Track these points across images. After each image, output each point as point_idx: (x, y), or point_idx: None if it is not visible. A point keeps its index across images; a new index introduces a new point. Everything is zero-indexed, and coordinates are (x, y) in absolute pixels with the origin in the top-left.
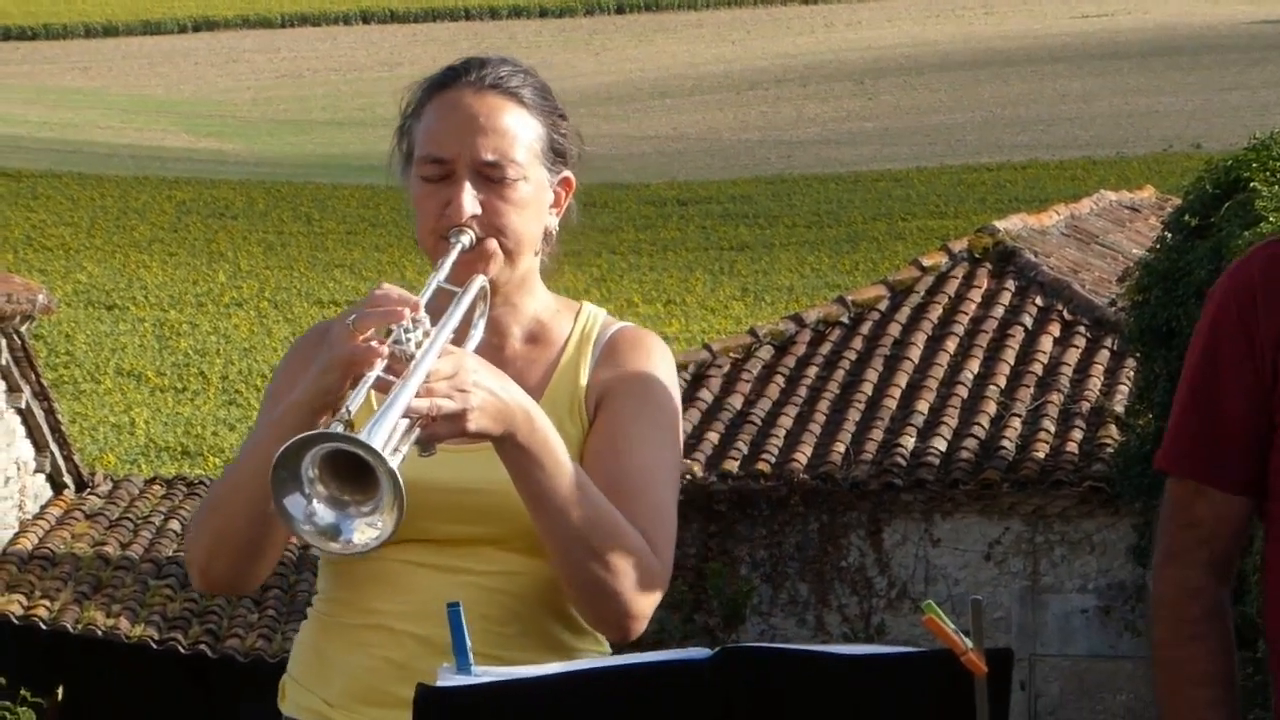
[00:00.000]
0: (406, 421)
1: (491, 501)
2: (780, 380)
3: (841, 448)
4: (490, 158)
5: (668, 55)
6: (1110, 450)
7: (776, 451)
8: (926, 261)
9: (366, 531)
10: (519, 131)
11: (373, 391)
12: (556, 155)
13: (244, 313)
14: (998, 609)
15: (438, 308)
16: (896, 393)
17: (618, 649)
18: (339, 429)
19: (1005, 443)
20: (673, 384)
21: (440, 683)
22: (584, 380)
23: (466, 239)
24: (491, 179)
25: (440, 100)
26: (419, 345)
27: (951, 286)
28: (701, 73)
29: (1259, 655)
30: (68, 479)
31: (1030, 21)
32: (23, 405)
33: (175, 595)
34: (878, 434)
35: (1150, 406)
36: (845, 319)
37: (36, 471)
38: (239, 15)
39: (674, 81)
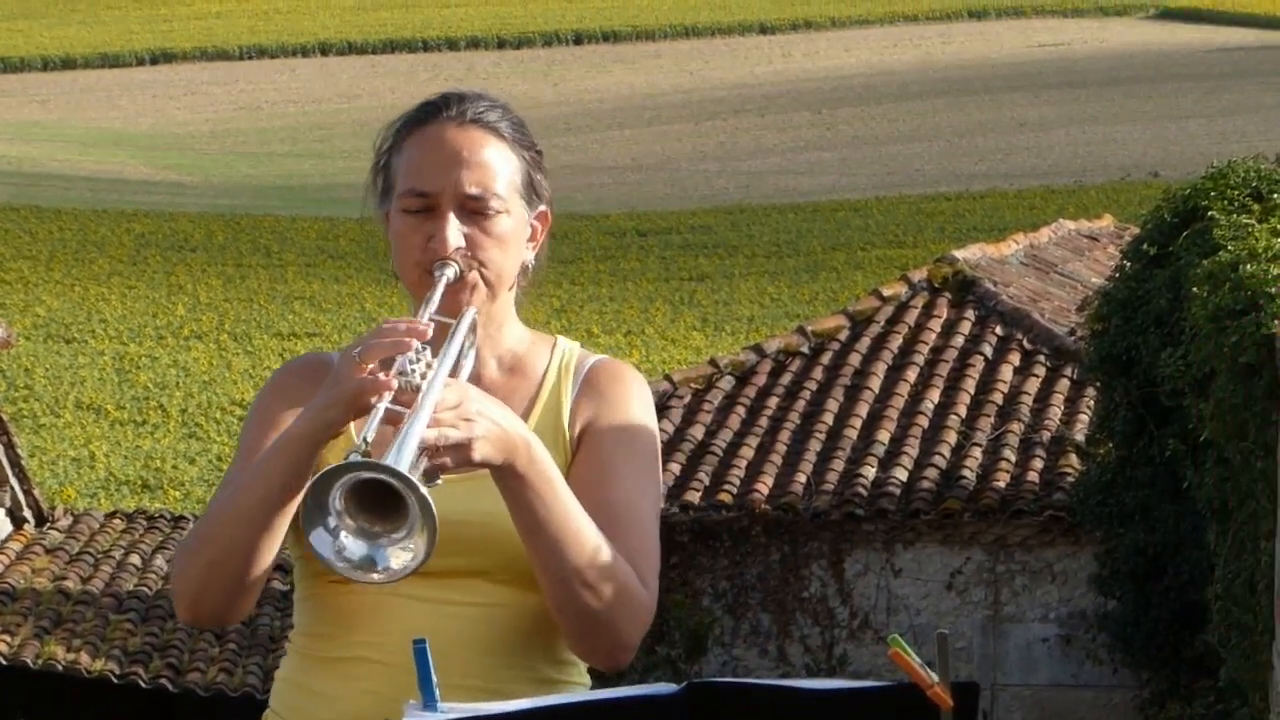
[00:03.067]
0: (417, 452)
1: (477, 533)
2: (741, 411)
3: (803, 478)
4: (474, 191)
5: (625, 86)
6: (1071, 479)
7: (738, 482)
8: (886, 291)
9: (401, 556)
10: (500, 166)
11: (379, 429)
12: (534, 190)
13: (204, 345)
14: (959, 639)
15: (431, 342)
16: (857, 423)
17: (598, 680)
18: (357, 459)
19: (966, 472)
20: (652, 417)
21: (407, 719)
22: (567, 412)
23: (451, 271)
24: (474, 212)
25: (421, 135)
26: (424, 376)
27: (911, 316)
28: (660, 103)
29: (1220, 684)
30: (27, 513)
31: (987, 50)
32: None
33: (136, 629)
34: (839, 464)
35: (1110, 435)
36: (805, 349)
37: None
38: (197, 47)
39: (632, 112)
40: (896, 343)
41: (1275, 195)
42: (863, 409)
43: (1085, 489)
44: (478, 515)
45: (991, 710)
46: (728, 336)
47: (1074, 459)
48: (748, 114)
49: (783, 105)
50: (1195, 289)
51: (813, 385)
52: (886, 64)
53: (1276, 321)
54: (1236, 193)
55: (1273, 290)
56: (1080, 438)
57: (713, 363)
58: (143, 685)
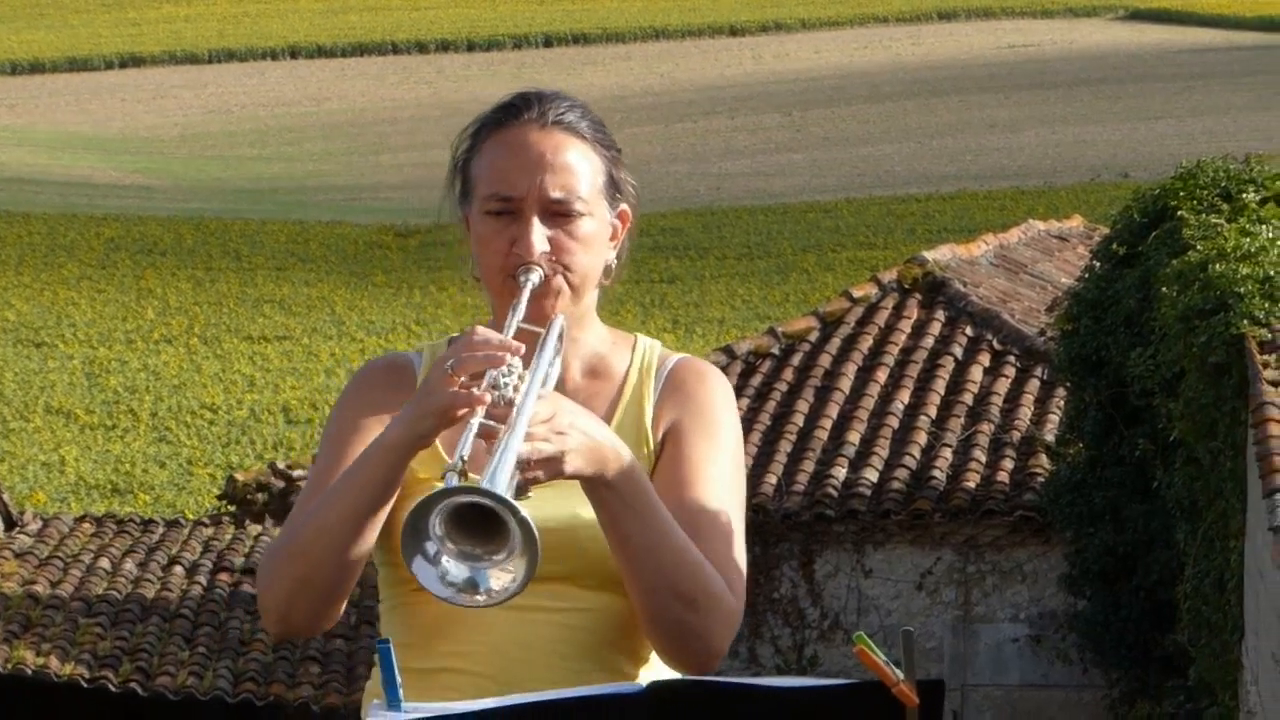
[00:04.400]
0: (513, 471)
1: (563, 538)
2: None
3: (773, 479)
4: (558, 195)
5: (595, 88)
6: (1041, 479)
7: None
8: (856, 292)
9: (501, 578)
10: (583, 168)
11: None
12: (616, 189)
13: (173, 349)
14: (930, 639)
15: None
16: (828, 424)
17: None
18: (455, 480)
19: (936, 473)
20: (735, 417)
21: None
22: (649, 414)
23: (536, 276)
24: (558, 216)
25: (502, 138)
26: (516, 389)
27: (881, 317)
28: (630, 105)
29: (1189, 683)
30: None
31: (957, 51)
32: None
33: (105, 633)
34: (809, 465)
35: (1080, 435)
36: (776, 350)
37: None
38: (166, 51)
39: (602, 114)
40: (867, 344)
41: (1244, 195)
42: (833, 410)
43: (1055, 489)
44: (563, 520)
45: (962, 710)
46: (698, 338)
47: (1044, 459)
48: (718, 116)
49: (753, 107)
50: (1165, 289)
51: (783, 386)
52: (856, 65)
53: (1245, 321)
54: (1206, 193)
55: (1241, 290)
56: (1050, 438)
57: None
58: (112, 689)
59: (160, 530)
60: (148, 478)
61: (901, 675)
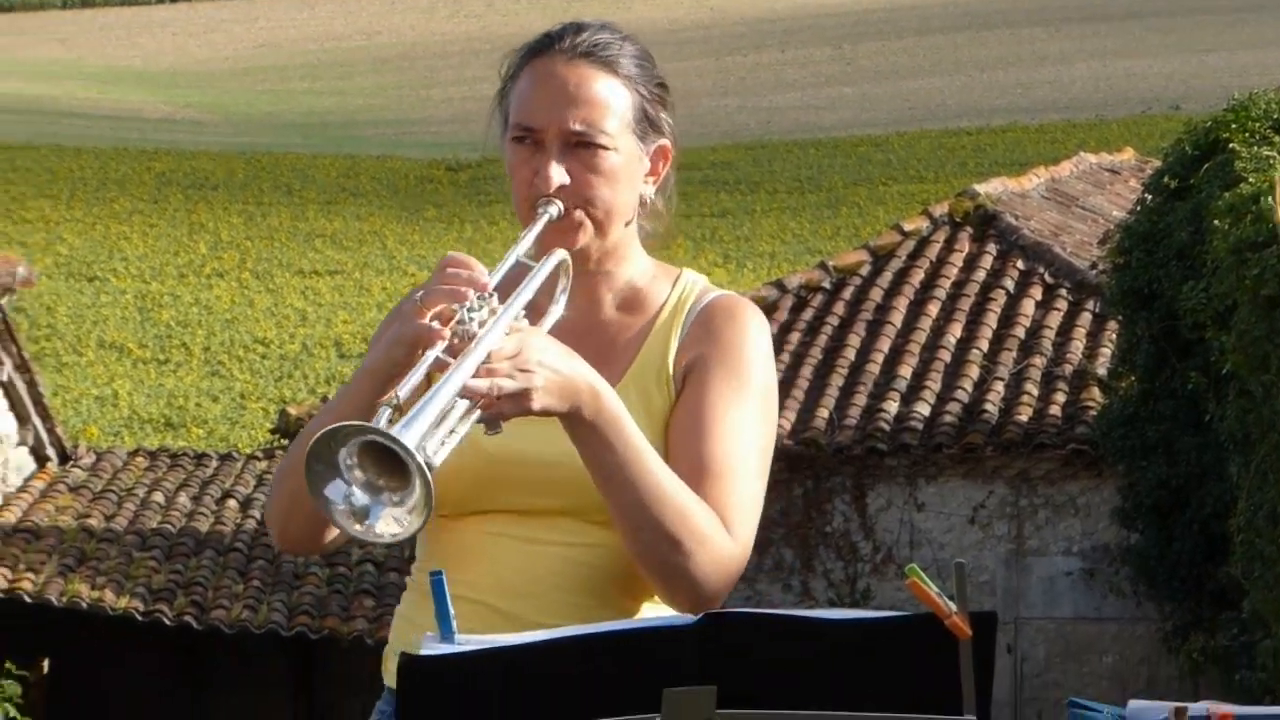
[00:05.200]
0: (466, 403)
1: (570, 474)
2: None
3: (825, 413)
4: (578, 128)
5: (646, 21)
6: (1093, 413)
7: None
8: (908, 226)
9: (390, 525)
10: (610, 101)
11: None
12: (650, 124)
13: (225, 283)
14: (982, 572)
15: (519, 278)
16: (879, 358)
17: None
18: (386, 414)
19: (988, 406)
20: (767, 356)
21: (423, 651)
22: (674, 349)
23: (554, 210)
24: (580, 148)
25: (534, 67)
26: (482, 325)
27: (933, 251)
28: (680, 39)
29: (1243, 615)
30: (50, 452)
31: None
32: (4, 378)
33: (160, 567)
34: (861, 399)
35: (1133, 369)
36: (827, 284)
37: (19, 445)
38: None
39: (652, 48)
40: (918, 277)
41: None
42: (884, 344)
43: (1107, 422)
44: (573, 457)
45: (1015, 643)
46: (749, 273)
47: (1096, 393)
48: (768, 49)
49: (803, 40)
50: (1216, 222)
51: (834, 321)
52: None
53: None
54: (1258, 125)
55: None
56: (1102, 371)
57: None
58: (167, 622)
59: (214, 464)
60: (201, 412)
61: (954, 608)
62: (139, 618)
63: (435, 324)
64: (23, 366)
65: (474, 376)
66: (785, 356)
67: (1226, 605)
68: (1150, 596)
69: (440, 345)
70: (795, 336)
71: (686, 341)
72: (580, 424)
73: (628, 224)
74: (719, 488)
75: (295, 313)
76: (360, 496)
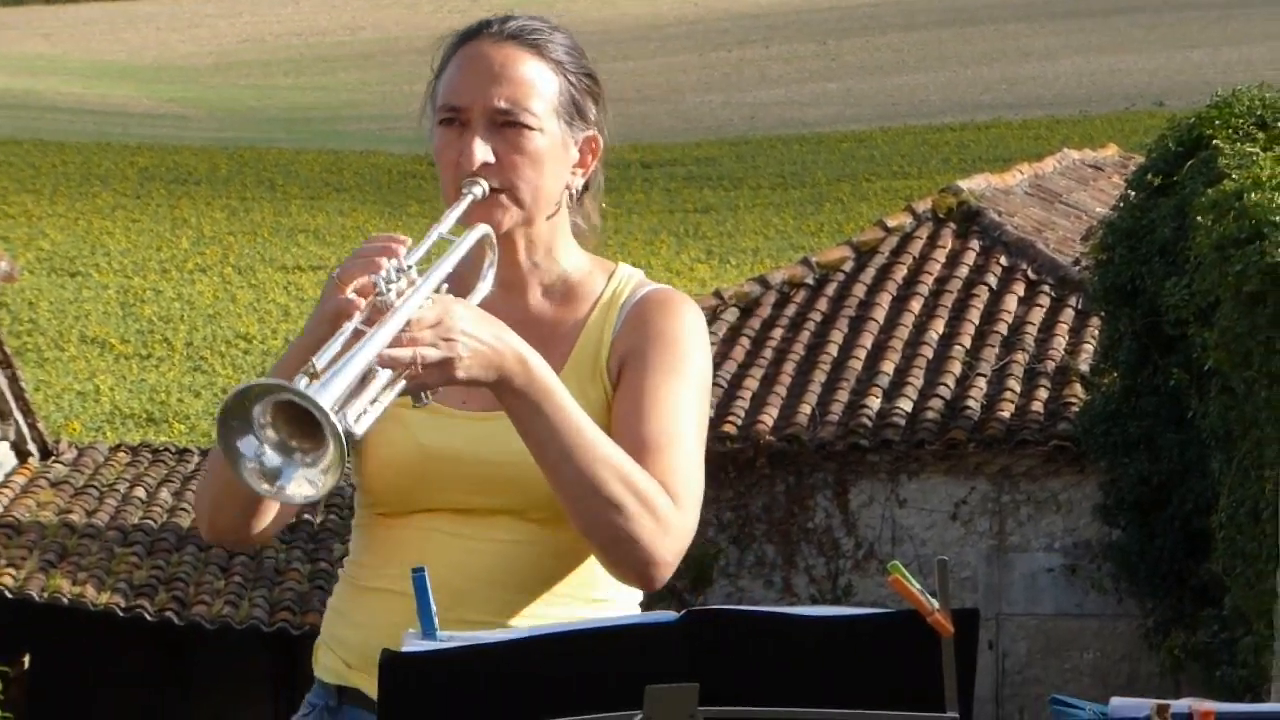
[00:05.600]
0: (389, 373)
1: (511, 473)
2: (745, 342)
3: (807, 409)
4: (503, 105)
5: (630, 17)
6: (1075, 409)
7: (742, 414)
8: (891, 222)
9: (303, 486)
10: (536, 83)
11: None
12: (578, 112)
13: (208, 279)
14: (964, 568)
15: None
16: (862, 353)
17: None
18: (304, 381)
19: (970, 402)
20: (701, 347)
21: (405, 648)
22: (608, 342)
23: (479, 189)
24: (505, 127)
25: (462, 51)
26: (400, 295)
27: (916, 247)
28: (665, 34)
29: (1224, 612)
30: (32, 447)
31: None
32: None
33: (141, 562)
34: (843, 395)
35: (1115, 365)
36: (810, 280)
37: (0, 440)
38: None
39: (636, 44)
40: (901, 273)
41: (1279, 124)
42: (867, 340)
43: (1090, 418)
44: (511, 455)
45: (996, 639)
46: (732, 268)
47: (1078, 389)
48: (752, 45)
49: (788, 36)
50: (1200, 218)
51: (817, 316)
52: None
53: None
54: (1241, 121)
55: (1277, 219)
56: (1085, 367)
57: (717, 294)
58: (148, 618)
59: (195, 459)
60: (183, 407)
61: (936, 604)
62: (120, 613)
63: (352, 295)
64: (4, 361)
65: (396, 346)
66: (768, 352)
67: (1208, 602)
68: (1132, 593)
69: (358, 316)
70: (778, 332)
71: (621, 334)
72: (510, 393)
73: (554, 215)
74: (661, 461)
75: (278, 308)
76: (272, 457)
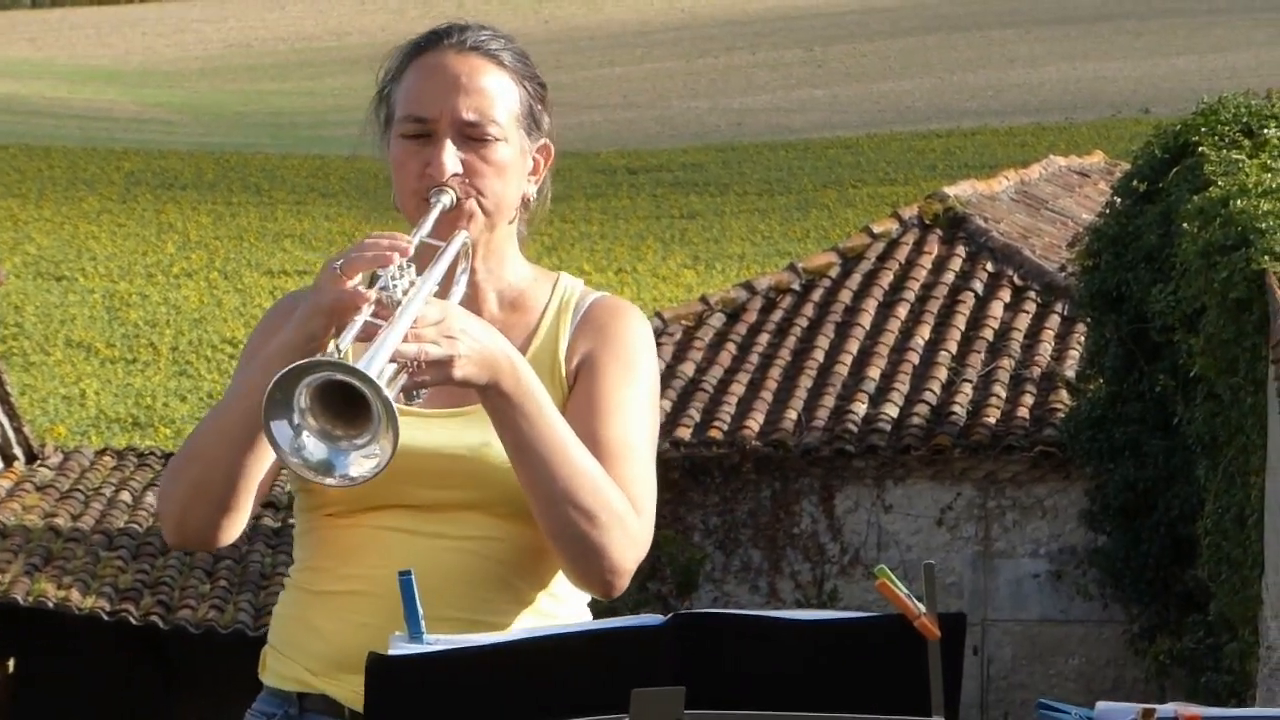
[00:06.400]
0: (394, 366)
1: (471, 466)
2: (732, 348)
3: (793, 414)
4: (471, 117)
5: (617, 23)
6: (1061, 415)
7: (729, 419)
8: (877, 228)
9: (363, 464)
10: (499, 94)
11: (355, 343)
12: (534, 122)
13: (194, 283)
14: (950, 574)
15: (420, 265)
16: (848, 359)
17: (596, 615)
18: (328, 359)
19: (956, 408)
20: (650, 353)
21: (392, 651)
22: (564, 347)
23: (447, 199)
24: (472, 139)
25: (421, 62)
26: (406, 292)
27: (902, 253)
28: (651, 40)
29: (1209, 618)
30: (17, 451)
31: None
32: None
33: (127, 566)
34: (829, 400)
35: (1100, 371)
36: (797, 286)
37: None
38: None
39: (623, 49)
40: (887, 279)
41: (1265, 131)
42: (853, 345)
43: (1075, 424)
44: (470, 448)
45: (982, 645)
46: (719, 274)
47: (1064, 395)
48: (739, 51)
49: (774, 42)
50: (1186, 225)
51: (803, 322)
52: (878, 1)
53: (1266, 257)
54: (1227, 128)
55: (1263, 226)
56: (1070, 373)
57: (704, 300)
58: (133, 622)
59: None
60: (168, 411)
61: (923, 608)
62: (105, 617)
63: (361, 288)
64: None
65: (403, 341)
66: (754, 358)
67: (1193, 608)
68: (1117, 599)
69: (367, 309)
70: (764, 338)
71: (576, 338)
72: (499, 397)
73: (511, 222)
74: (619, 467)
75: (263, 313)
76: (317, 449)
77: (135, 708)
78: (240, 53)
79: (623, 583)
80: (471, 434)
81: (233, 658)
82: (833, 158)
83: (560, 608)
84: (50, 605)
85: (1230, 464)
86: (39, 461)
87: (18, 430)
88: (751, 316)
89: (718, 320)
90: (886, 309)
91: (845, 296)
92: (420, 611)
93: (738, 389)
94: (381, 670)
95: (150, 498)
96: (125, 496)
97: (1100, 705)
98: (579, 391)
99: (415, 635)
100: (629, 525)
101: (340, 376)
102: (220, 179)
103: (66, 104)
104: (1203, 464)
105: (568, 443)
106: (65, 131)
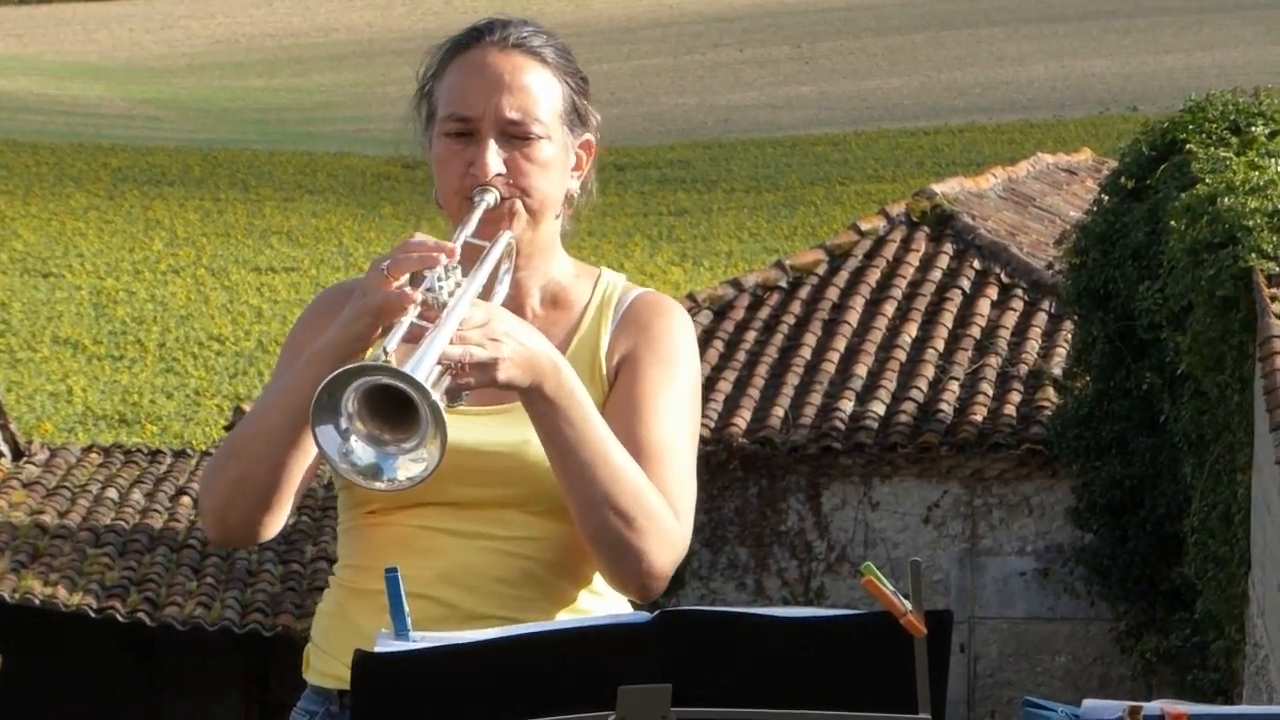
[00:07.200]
0: (439, 369)
1: (510, 464)
2: (719, 345)
3: (780, 412)
4: (515, 116)
5: (604, 19)
6: (1048, 413)
7: (716, 416)
8: (864, 225)
9: (411, 468)
10: (542, 91)
11: (401, 344)
12: (578, 117)
13: (181, 280)
14: (936, 572)
15: (464, 265)
16: (835, 357)
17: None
18: (375, 363)
19: (943, 406)
20: (692, 351)
21: (378, 648)
22: (604, 345)
23: (491, 197)
24: (515, 138)
25: (463, 60)
26: (451, 294)
27: (889, 250)
28: (638, 37)
29: (1196, 616)
30: (4, 447)
31: None
32: None
33: (113, 563)
34: (816, 398)
35: (1087, 369)
36: (784, 283)
37: None
38: None
39: (610, 46)
40: (874, 277)
41: (1253, 128)
42: (840, 343)
43: (1062, 422)
44: (510, 446)
45: (969, 643)
46: (706, 271)
47: (1051, 392)
48: (726, 47)
49: (762, 39)
50: (1173, 222)
51: (790, 319)
52: None
53: (1253, 255)
54: (1214, 126)
55: (1250, 224)
56: (1057, 371)
57: (691, 297)
58: (120, 619)
59: (168, 460)
60: (155, 408)
61: (909, 606)
62: (92, 614)
63: (408, 289)
64: None
65: (449, 343)
66: (741, 355)
67: (1179, 606)
68: (1104, 596)
69: (414, 311)
70: (751, 335)
71: (617, 336)
72: (541, 400)
73: (556, 218)
74: (659, 470)
75: (250, 309)
76: (365, 453)
77: (122, 704)
78: (227, 49)
79: (660, 586)
80: (511, 431)
81: (220, 655)
82: (820, 155)
83: (602, 604)
84: (37, 602)
85: (1217, 462)
86: (25, 458)
87: (4, 427)
88: (739, 314)
89: (705, 317)
90: (874, 306)
91: (832, 294)
92: (406, 608)
93: (725, 386)
94: (367, 667)
95: (137, 495)
96: (112, 493)
97: (1087, 703)
98: (619, 391)
99: (401, 632)
100: (667, 529)
101: (389, 381)
102: (207, 175)
103: (53, 100)
104: (1189, 462)
105: (608, 446)
106: (52, 127)
